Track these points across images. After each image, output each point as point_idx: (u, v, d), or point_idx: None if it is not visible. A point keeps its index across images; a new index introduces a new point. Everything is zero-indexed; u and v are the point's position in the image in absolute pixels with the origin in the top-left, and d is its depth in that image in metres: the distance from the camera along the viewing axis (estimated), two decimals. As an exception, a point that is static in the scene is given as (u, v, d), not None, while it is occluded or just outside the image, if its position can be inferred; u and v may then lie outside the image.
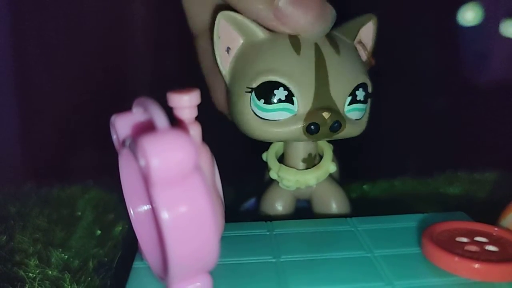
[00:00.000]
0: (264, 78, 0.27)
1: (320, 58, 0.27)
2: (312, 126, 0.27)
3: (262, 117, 0.27)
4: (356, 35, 0.30)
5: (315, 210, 0.31)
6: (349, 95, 0.28)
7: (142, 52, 0.47)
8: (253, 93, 0.27)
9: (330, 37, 0.28)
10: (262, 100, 0.27)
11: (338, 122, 0.27)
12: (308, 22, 0.26)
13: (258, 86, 0.27)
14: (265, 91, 0.27)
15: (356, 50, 0.30)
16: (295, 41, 0.27)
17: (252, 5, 0.27)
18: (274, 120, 0.27)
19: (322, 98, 0.27)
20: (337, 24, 0.30)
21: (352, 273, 0.23)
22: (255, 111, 0.27)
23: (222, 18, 0.27)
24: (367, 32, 0.30)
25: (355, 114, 0.28)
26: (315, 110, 0.27)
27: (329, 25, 0.27)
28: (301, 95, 0.27)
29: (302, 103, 0.27)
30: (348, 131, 0.28)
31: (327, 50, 0.27)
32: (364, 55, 0.30)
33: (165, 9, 0.45)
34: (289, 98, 0.27)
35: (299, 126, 0.27)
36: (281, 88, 0.27)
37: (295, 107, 0.27)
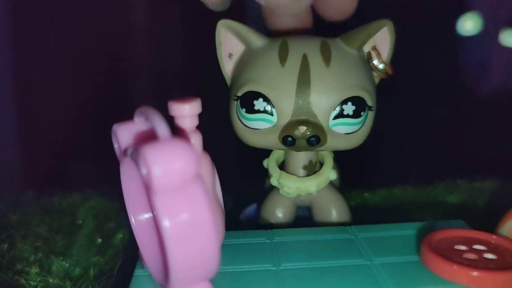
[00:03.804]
0: (246, 88, 0.28)
1: (305, 70, 0.27)
2: (288, 138, 0.27)
3: (245, 124, 0.28)
4: (365, 42, 0.29)
5: (315, 217, 0.32)
6: (335, 109, 0.27)
7: (144, 62, 0.47)
8: (238, 101, 0.28)
9: (324, 46, 0.28)
10: (244, 109, 0.28)
11: (316, 137, 0.27)
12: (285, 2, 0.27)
13: (242, 95, 0.28)
14: (246, 101, 0.28)
15: (360, 60, 0.29)
16: (283, 52, 0.28)
17: None
18: (255, 129, 0.28)
19: (301, 111, 0.27)
20: (343, 30, 0.29)
21: (351, 281, 0.23)
22: (240, 118, 0.28)
23: (221, 26, 0.29)
24: (383, 39, 0.29)
25: (343, 128, 0.28)
26: (292, 123, 0.27)
27: (305, 7, 0.27)
28: (280, 107, 0.27)
29: (281, 115, 0.27)
30: (335, 145, 0.28)
31: (315, 62, 0.27)
32: (379, 63, 0.29)
33: (168, 18, 0.46)
34: (269, 109, 0.27)
35: (276, 137, 0.28)
36: (261, 99, 0.27)
37: (274, 118, 0.28)
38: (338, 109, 0.27)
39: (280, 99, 0.27)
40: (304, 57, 0.27)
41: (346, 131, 0.28)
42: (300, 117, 0.27)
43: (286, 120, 0.27)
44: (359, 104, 0.27)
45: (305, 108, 0.27)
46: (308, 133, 0.27)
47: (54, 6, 0.45)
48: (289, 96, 0.27)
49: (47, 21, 0.46)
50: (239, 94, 0.28)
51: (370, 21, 0.29)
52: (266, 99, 0.27)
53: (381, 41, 0.29)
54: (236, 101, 0.28)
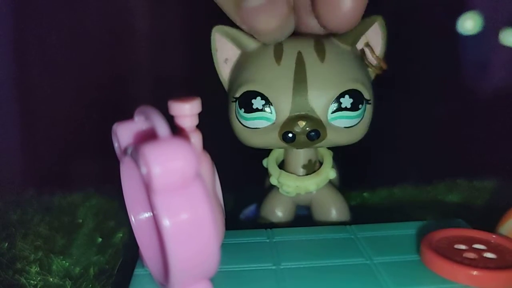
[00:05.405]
0: (244, 88, 0.28)
1: (301, 66, 0.27)
2: (288, 134, 0.27)
3: (244, 125, 0.28)
4: (357, 39, 0.29)
5: (315, 216, 0.32)
6: (333, 103, 0.27)
7: (144, 61, 0.47)
8: (237, 102, 0.28)
9: (318, 43, 0.28)
10: (243, 109, 0.28)
11: (316, 131, 0.27)
12: (268, 30, 0.27)
13: (240, 96, 0.28)
14: (245, 101, 0.28)
15: (355, 56, 0.29)
16: (278, 51, 0.28)
17: (225, 4, 0.27)
18: (254, 128, 0.28)
19: (299, 107, 0.27)
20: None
21: (351, 280, 0.23)
22: (239, 119, 0.29)
23: (216, 32, 0.29)
24: (375, 35, 0.29)
25: (342, 122, 0.28)
26: (291, 118, 0.27)
27: (287, 35, 0.28)
28: (278, 104, 0.27)
29: (280, 112, 0.28)
30: (336, 139, 0.28)
31: (310, 58, 0.28)
32: (373, 59, 0.29)
33: (168, 16, 0.46)
34: (267, 107, 0.28)
35: (276, 135, 0.28)
36: (259, 98, 0.28)
37: (273, 116, 0.28)
38: (336, 102, 0.27)
39: (277, 96, 0.27)
40: (299, 54, 0.28)
41: (346, 125, 0.28)
42: (298, 113, 0.27)
43: (284, 117, 0.28)
44: (356, 97, 0.28)
45: (303, 103, 0.27)
46: (308, 128, 0.27)
47: (55, 5, 0.45)
48: (286, 93, 0.27)
49: (47, 21, 0.46)
50: (237, 95, 0.28)
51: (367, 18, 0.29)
52: (263, 97, 0.28)
53: (373, 37, 0.29)
54: (234, 103, 0.29)
